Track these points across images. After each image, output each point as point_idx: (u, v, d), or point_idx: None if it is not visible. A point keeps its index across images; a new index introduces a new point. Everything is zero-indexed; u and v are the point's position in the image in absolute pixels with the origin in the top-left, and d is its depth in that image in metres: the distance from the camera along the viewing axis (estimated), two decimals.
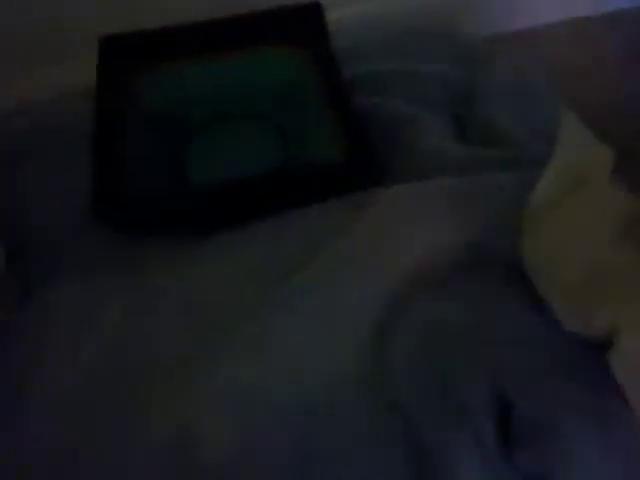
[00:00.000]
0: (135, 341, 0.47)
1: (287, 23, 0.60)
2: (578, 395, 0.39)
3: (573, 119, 0.45)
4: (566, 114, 0.45)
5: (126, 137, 0.54)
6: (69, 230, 0.54)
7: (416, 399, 0.41)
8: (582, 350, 0.40)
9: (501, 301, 0.44)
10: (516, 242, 0.44)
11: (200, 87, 0.59)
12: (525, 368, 0.41)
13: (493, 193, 0.47)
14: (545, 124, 0.56)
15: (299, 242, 0.48)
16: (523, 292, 0.43)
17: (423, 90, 0.61)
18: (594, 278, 0.39)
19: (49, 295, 0.50)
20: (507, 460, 0.39)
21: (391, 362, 0.43)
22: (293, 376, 0.43)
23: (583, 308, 0.39)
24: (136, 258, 0.51)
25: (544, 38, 0.74)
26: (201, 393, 0.43)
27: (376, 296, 0.44)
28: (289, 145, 0.57)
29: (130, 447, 0.42)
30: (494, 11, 0.73)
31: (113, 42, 0.58)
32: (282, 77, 0.60)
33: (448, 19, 0.69)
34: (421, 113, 0.57)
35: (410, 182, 0.50)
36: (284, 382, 0.43)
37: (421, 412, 0.41)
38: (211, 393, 0.43)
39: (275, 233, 0.50)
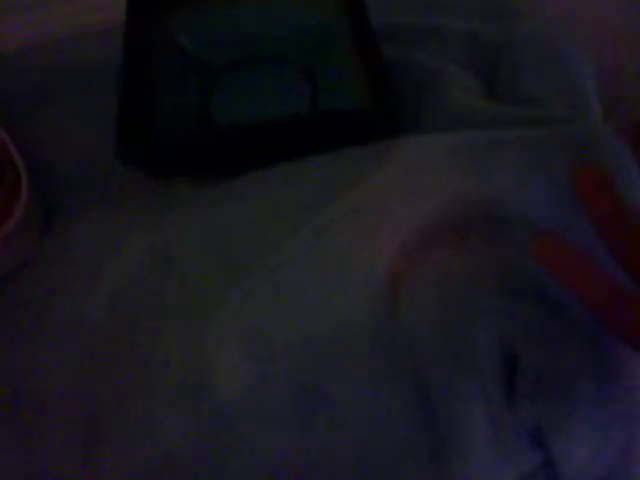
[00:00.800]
0: (155, 277, 0.48)
1: None
2: (582, 353, 0.40)
3: None
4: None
5: (153, 75, 0.54)
6: (92, 167, 0.55)
7: (426, 346, 0.42)
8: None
9: (517, 258, 0.44)
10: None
11: (230, 29, 0.59)
12: (533, 322, 0.42)
13: (521, 149, 0.46)
14: (573, 88, 0.57)
15: (322, 186, 0.49)
16: None
17: (451, 46, 0.60)
18: None
19: (71, 228, 0.52)
20: (511, 412, 0.40)
21: (403, 310, 0.43)
22: (303, 322, 0.44)
23: None
24: (160, 196, 0.52)
25: None
26: (215, 332, 0.44)
27: (394, 244, 0.44)
28: (317, 91, 0.56)
29: (147, 380, 0.44)
30: None
31: None
32: (312, 22, 0.59)
33: None
34: (448, 68, 0.57)
35: (436, 133, 0.50)
36: (294, 328, 0.43)
37: (430, 360, 0.42)
38: (225, 332, 0.44)
39: (299, 176, 0.50)
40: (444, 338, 0.42)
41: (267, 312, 0.44)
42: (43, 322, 0.47)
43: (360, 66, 0.55)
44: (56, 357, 0.46)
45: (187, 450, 0.42)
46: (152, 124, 0.51)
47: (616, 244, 0.37)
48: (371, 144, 0.50)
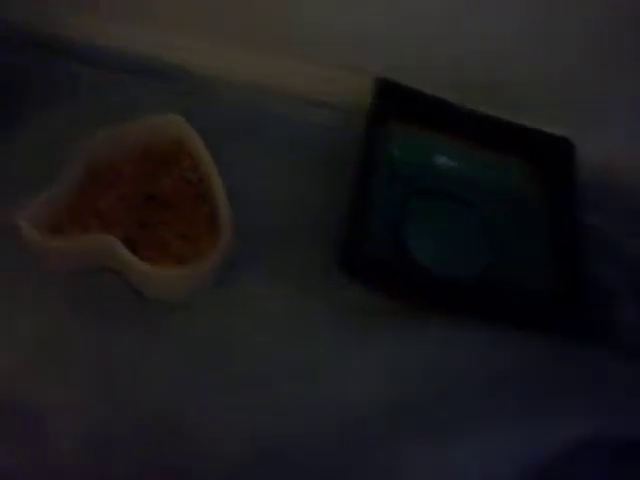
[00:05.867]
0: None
1: (541, 145, 0.63)
2: None
3: None
4: None
5: (373, 190, 0.57)
6: (279, 222, 0.55)
7: None
8: None
9: None
10: None
11: (440, 165, 0.63)
12: None
13: None
14: None
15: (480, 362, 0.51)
16: None
17: (620, 270, 0.60)
18: None
19: (245, 279, 0.52)
20: None
21: None
22: None
23: None
24: (355, 306, 0.52)
25: None
26: None
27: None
28: (499, 246, 0.58)
29: None
30: None
31: (388, 87, 0.62)
32: (519, 191, 0.63)
33: None
34: (622, 290, 0.58)
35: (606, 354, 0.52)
36: None
37: None
38: None
39: (470, 340, 0.52)
40: None
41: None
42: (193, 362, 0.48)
43: (551, 244, 0.58)
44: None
45: None
46: (367, 241, 0.54)
47: None
48: (542, 339, 0.51)
